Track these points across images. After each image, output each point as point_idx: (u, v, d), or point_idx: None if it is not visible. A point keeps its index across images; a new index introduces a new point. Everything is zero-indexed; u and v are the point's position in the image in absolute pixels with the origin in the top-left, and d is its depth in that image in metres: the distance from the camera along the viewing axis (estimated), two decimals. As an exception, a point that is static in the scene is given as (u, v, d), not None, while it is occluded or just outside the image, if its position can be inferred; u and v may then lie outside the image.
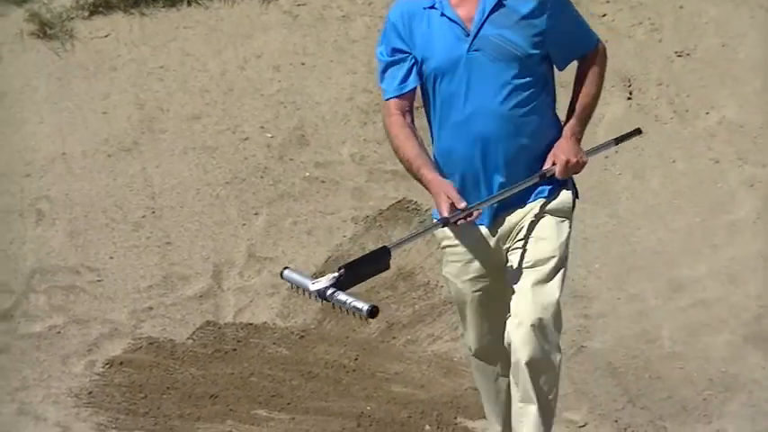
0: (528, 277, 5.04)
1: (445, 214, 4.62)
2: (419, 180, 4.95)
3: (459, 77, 4.88)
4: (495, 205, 5.09)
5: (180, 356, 8.47)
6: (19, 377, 8.23)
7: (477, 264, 5.28)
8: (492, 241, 5.21)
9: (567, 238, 5.22)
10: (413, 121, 5.16)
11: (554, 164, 4.97)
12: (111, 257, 9.45)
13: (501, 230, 5.22)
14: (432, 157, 5.18)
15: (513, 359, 5.05)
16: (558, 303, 5.07)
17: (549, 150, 5.11)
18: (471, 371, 6.06)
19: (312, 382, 8.12)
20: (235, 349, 8.57)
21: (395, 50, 5.04)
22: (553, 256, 5.09)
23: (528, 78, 4.96)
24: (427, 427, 7.60)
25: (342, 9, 11.51)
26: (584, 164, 5.04)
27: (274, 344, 8.65)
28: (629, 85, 10.51)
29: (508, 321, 5.04)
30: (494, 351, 5.49)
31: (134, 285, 9.19)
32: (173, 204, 9.91)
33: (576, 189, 5.37)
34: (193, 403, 7.86)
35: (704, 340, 8.60)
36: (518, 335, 4.97)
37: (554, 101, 5.24)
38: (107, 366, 8.34)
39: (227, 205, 9.85)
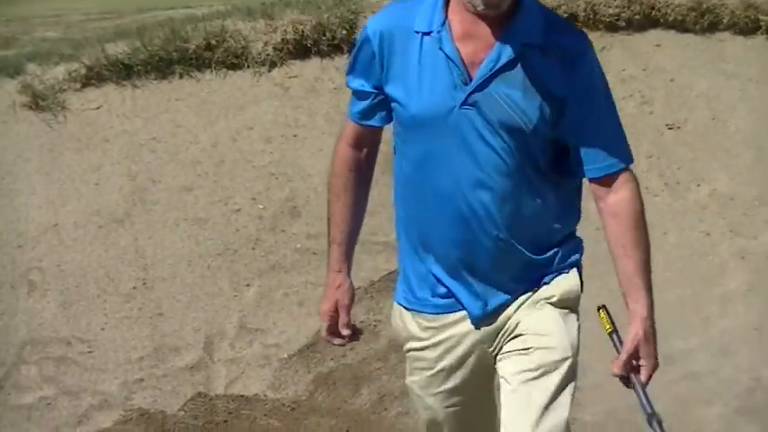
0: (531, 392, 4.11)
1: (323, 330, 4.34)
2: (327, 253, 4.39)
3: (443, 137, 3.91)
4: (486, 292, 4.17)
5: (171, 428, 8.53)
6: None
7: (453, 372, 4.34)
8: (475, 342, 4.28)
9: (577, 334, 4.28)
10: (373, 161, 4.47)
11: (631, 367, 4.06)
12: (103, 329, 9.30)
13: (488, 328, 4.28)
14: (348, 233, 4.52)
15: None
16: (567, 424, 4.16)
17: (551, 243, 4.26)
18: None
19: None
20: (226, 421, 8.61)
21: (358, 80, 4.19)
22: (563, 359, 4.15)
23: (525, 154, 3.96)
24: None
25: (333, 81, 11.09)
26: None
27: (265, 415, 8.68)
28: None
29: None
30: None
31: (125, 356, 9.11)
32: (164, 276, 9.74)
33: (581, 274, 4.38)
34: None
35: (696, 413, 8.65)
36: None
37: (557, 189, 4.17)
38: None
39: (218, 276, 9.73)
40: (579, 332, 4.32)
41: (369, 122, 4.18)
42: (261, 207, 10.23)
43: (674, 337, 9.21)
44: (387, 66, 3.99)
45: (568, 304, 4.29)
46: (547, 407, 4.08)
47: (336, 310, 4.23)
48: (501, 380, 4.25)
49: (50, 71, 10.94)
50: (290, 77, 11.21)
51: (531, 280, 4.23)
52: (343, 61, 11.09)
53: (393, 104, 4.03)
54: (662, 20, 12.12)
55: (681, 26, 12.12)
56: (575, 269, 4.31)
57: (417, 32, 3.92)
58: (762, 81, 11.59)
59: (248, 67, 11.18)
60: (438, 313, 4.25)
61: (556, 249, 4.27)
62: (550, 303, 4.23)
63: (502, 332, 4.24)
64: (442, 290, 4.20)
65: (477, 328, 4.22)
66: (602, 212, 4.12)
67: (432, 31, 3.89)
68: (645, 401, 3.99)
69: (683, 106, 11.26)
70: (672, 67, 11.68)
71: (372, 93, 4.07)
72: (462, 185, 3.95)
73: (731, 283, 9.99)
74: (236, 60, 11.17)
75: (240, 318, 9.43)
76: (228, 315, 9.47)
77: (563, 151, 4.08)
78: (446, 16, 3.89)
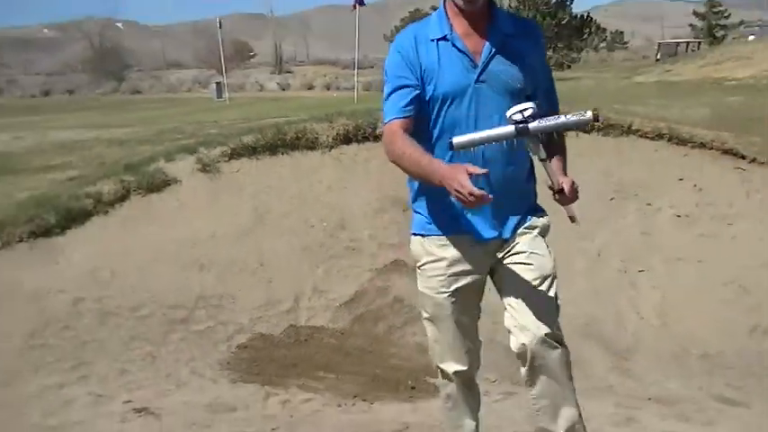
0: (538, 293, 3.96)
1: (467, 188, 3.45)
2: (427, 176, 3.75)
3: (466, 104, 3.83)
4: (493, 220, 3.99)
5: (276, 344, 8.65)
6: (191, 355, 8.30)
7: (460, 277, 4.06)
8: (480, 254, 4.07)
9: (551, 252, 4.09)
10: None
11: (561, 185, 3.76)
12: (240, 290, 9.50)
13: (491, 244, 4.06)
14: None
15: (526, 366, 3.99)
16: (556, 320, 4.00)
17: (529, 176, 4.15)
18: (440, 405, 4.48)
19: (348, 358, 8.25)
20: (306, 339, 8.74)
21: (400, 77, 3.90)
22: (553, 269, 4.05)
23: None
24: (410, 382, 7.62)
25: (364, 156, 11.24)
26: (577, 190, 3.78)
27: (326, 337, 8.78)
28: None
29: (516, 332, 3.96)
30: (471, 373, 4.25)
31: (252, 305, 9.24)
32: (273, 261, 9.95)
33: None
34: (284, 368, 8.04)
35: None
36: (532, 346, 3.90)
37: None
38: (237, 348, 8.51)
39: (302, 261, 9.90)
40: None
41: (410, 111, 3.85)
42: (324, 224, 10.36)
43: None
44: (417, 67, 3.85)
45: (545, 233, 4.12)
46: (550, 303, 3.97)
47: (466, 177, 3.48)
48: (507, 278, 4.04)
49: (212, 151, 11.29)
50: (341, 154, 11.34)
51: (522, 211, 4.05)
52: (369, 146, 11.41)
53: (427, 87, 3.86)
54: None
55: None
56: (544, 212, 4.15)
57: (433, 40, 3.87)
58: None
59: (318, 148, 11.37)
60: (453, 234, 4.01)
61: (532, 185, 4.17)
62: (539, 233, 4.07)
63: (504, 249, 4.03)
64: (460, 217, 3.96)
65: (482, 245, 4.02)
66: None
67: (445, 36, 3.85)
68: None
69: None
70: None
71: (411, 84, 3.84)
72: None
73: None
74: (312, 145, 11.38)
75: (313, 284, 9.59)
76: (307, 283, 9.61)
77: None
78: (450, 23, 3.89)
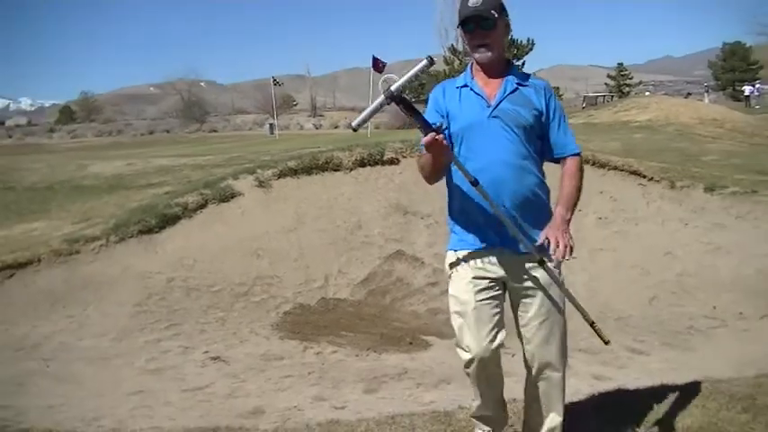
0: (541, 330, 3.58)
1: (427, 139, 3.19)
2: (429, 162, 3.45)
3: (481, 135, 3.48)
4: (505, 236, 3.51)
5: (311, 311, 8.54)
6: (250, 319, 8.24)
7: (481, 281, 3.55)
8: (497, 264, 3.57)
9: (563, 293, 3.63)
10: None
11: (547, 240, 3.37)
12: (285, 272, 9.41)
13: (508, 262, 3.56)
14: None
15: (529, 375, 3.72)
16: (561, 348, 3.67)
17: (542, 199, 3.64)
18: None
19: (363, 321, 8.11)
20: (332, 308, 8.61)
21: (434, 114, 3.59)
22: (559, 312, 3.63)
23: (529, 142, 3.50)
24: (408, 339, 7.47)
25: (378, 177, 11.01)
26: (572, 248, 3.36)
27: (347, 306, 8.65)
28: None
29: (527, 354, 3.66)
30: (492, 356, 3.56)
31: (293, 284, 9.17)
32: (307, 251, 9.77)
33: None
34: (317, 328, 7.91)
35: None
36: (534, 369, 3.65)
37: (542, 170, 3.69)
38: (283, 314, 8.40)
39: (329, 252, 9.74)
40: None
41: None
42: (346, 225, 10.14)
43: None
44: (445, 106, 3.55)
45: (559, 268, 3.60)
46: (553, 342, 3.62)
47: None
48: (520, 314, 3.65)
49: (266, 172, 11.17)
50: (358, 174, 11.16)
51: (538, 227, 3.50)
52: (378, 168, 11.27)
53: (451, 124, 3.54)
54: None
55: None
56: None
57: (458, 87, 3.60)
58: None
59: (342, 170, 11.18)
60: (479, 249, 3.56)
61: (546, 202, 3.64)
62: (552, 270, 3.53)
63: (518, 269, 3.56)
64: (482, 235, 3.55)
65: (501, 257, 3.55)
66: (562, 173, 3.66)
67: (466, 84, 3.58)
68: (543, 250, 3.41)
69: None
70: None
71: (441, 121, 3.44)
72: (496, 160, 3.44)
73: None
74: (337, 167, 11.23)
75: (338, 268, 9.46)
76: (334, 267, 9.48)
77: (543, 145, 3.62)
78: (473, 77, 3.60)
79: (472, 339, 3.52)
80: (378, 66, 26.31)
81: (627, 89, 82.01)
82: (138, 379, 6.51)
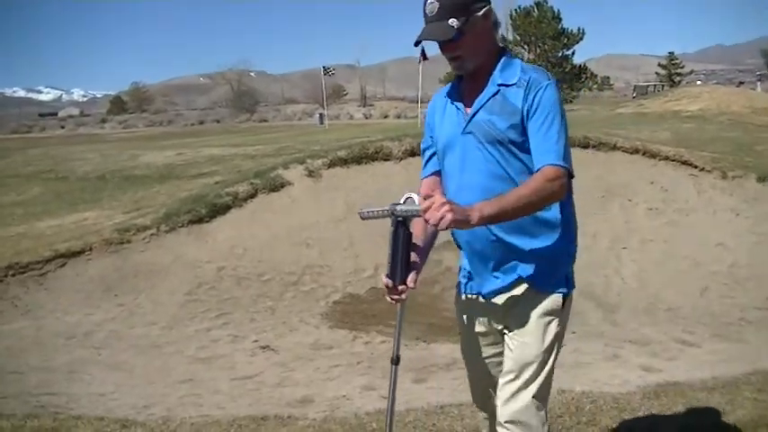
0: (510, 385, 2.74)
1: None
2: None
3: (456, 154, 2.76)
4: (485, 279, 2.80)
5: (361, 300, 8.60)
6: (300, 308, 8.29)
7: (471, 333, 2.90)
8: (480, 309, 2.88)
9: (553, 339, 2.75)
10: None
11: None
12: (334, 261, 9.48)
13: (489, 305, 2.83)
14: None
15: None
16: (532, 403, 2.70)
17: (536, 225, 2.70)
18: None
19: (412, 310, 7.64)
20: (382, 297, 8.46)
21: (424, 140, 2.99)
22: (534, 362, 2.73)
23: (508, 161, 2.67)
24: (457, 328, 7.47)
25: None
26: (447, 222, 2.28)
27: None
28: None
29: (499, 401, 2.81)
30: (485, 403, 3.05)
31: (342, 273, 9.24)
32: (358, 240, 9.81)
33: (570, 283, 2.77)
34: (366, 318, 7.97)
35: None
36: (500, 419, 2.75)
37: None
38: (333, 303, 8.46)
39: (373, 243, 8.92)
40: (557, 335, 2.77)
41: (426, 173, 2.93)
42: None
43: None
44: (433, 124, 2.90)
45: (552, 313, 2.75)
46: (518, 395, 2.74)
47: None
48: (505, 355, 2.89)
49: (316, 162, 11.33)
50: (407, 164, 11.23)
51: (519, 270, 2.75)
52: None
53: (436, 142, 2.91)
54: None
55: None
56: (562, 282, 2.78)
57: (444, 97, 2.87)
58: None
59: (391, 160, 11.33)
60: (467, 293, 2.91)
61: (545, 228, 2.76)
62: (537, 311, 2.75)
63: (501, 317, 2.85)
64: (470, 278, 2.90)
65: (484, 303, 2.85)
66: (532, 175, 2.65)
67: (449, 94, 2.86)
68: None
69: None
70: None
71: (429, 145, 2.95)
72: (468, 184, 2.73)
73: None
74: (386, 157, 11.42)
75: (381, 260, 9.36)
76: (383, 256, 9.28)
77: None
78: (458, 84, 2.84)
79: (474, 395, 3.13)
80: (423, 56, 26.38)
81: (678, 78, 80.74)
82: (188, 367, 6.59)
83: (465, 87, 2.85)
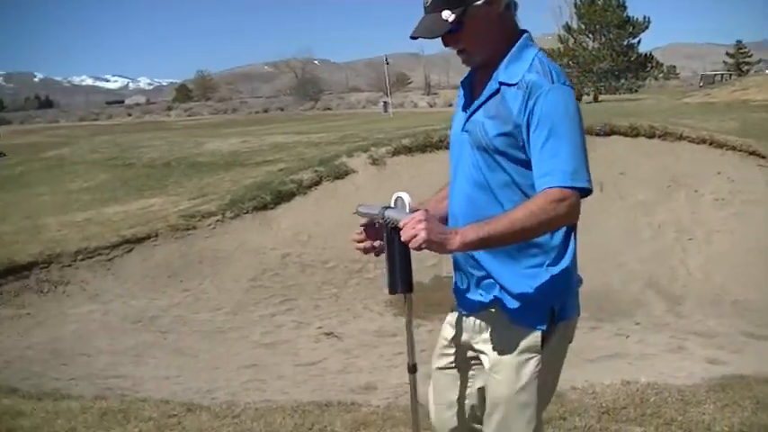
0: (492, 418, 2.31)
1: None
2: None
3: (454, 154, 2.41)
4: (465, 293, 2.42)
5: (425, 289, 8.06)
6: (364, 295, 8.33)
7: (448, 353, 2.53)
8: (462, 325, 2.48)
9: (530, 379, 2.26)
10: None
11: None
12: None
13: (468, 322, 2.43)
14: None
15: None
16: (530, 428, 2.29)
17: (519, 251, 2.22)
18: None
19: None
20: (446, 286, 8.37)
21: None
22: (501, 404, 2.31)
23: (493, 171, 2.24)
24: None
25: None
26: (418, 242, 1.92)
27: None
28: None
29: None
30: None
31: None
32: None
33: (557, 316, 2.24)
34: (430, 306, 7.20)
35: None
36: None
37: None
38: None
39: None
40: (534, 374, 2.27)
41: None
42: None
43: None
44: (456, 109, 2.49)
45: (530, 350, 2.28)
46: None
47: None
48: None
49: (380, 150, 11.39)
50: None
51: (496, 291, 2.30)
52: None
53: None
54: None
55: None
56: (544, 317, 2.26)
57: (460, 87, 2.47)
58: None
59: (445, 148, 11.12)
60: (453, 309, 2.57)
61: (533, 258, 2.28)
62: (512, 349, 2.31)
63: (478, 338, 2.43)
64: (455, 293, 2.54)
65: (459, 321, 2.50)
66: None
67: (464, 86, 2.46)
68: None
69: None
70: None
71: None
72: (457, 189, 2.39)
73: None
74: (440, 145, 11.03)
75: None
76: None
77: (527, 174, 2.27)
78: (475, 74, 2.42)
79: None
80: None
81: (746, 67, 79.02)
82: (252, 353, 6.70)
83: (477, 77, 2.46)
